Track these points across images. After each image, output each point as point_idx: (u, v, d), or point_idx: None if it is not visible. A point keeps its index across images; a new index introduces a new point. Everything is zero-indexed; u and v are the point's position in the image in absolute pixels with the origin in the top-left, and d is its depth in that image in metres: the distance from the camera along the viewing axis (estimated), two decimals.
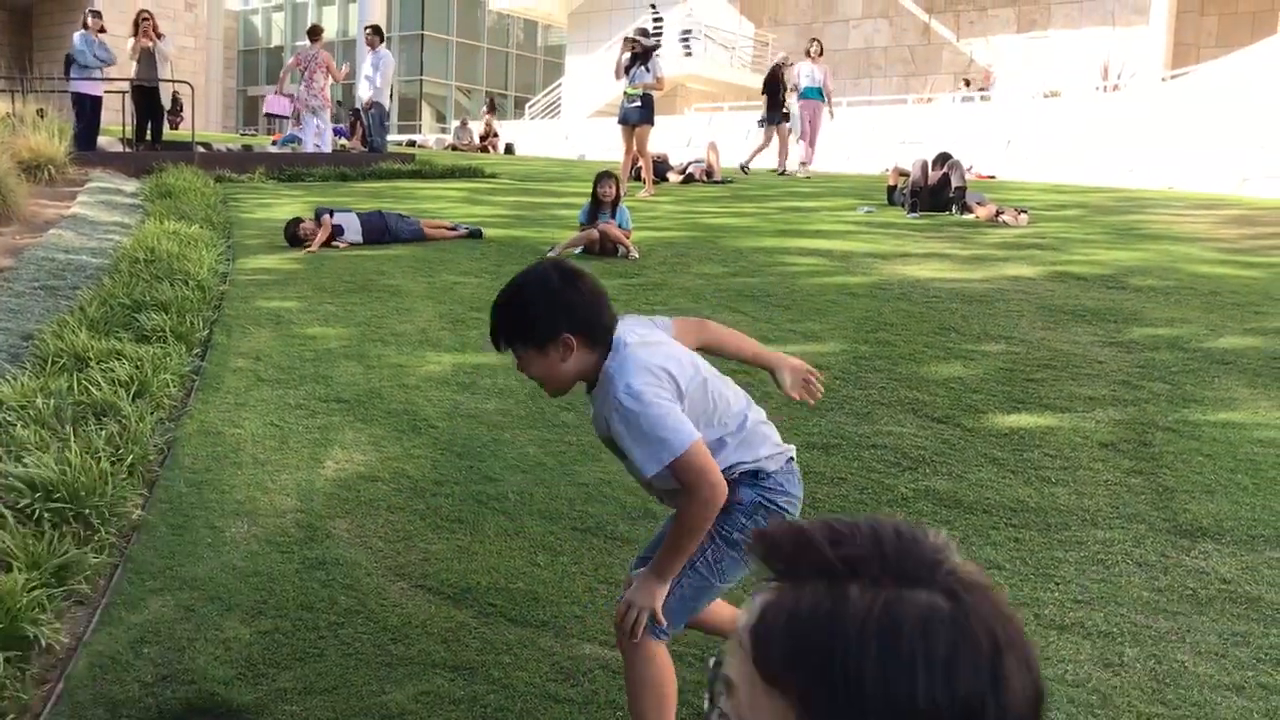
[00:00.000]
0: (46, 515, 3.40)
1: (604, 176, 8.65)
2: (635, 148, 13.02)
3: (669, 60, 18.41)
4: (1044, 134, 19.50)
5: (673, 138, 21.91)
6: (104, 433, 4.03)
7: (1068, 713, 2.74)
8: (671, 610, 2.40)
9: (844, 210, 11.44)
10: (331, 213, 8.77)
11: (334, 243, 8.58)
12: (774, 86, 16.62)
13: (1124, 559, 3.52)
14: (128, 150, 14.88)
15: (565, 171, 16.88)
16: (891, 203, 11.86)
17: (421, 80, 48.44)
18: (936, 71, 29.08)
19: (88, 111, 14.18)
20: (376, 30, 15.88)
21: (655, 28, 13.49)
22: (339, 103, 24.74)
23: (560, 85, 35.50)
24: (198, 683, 2.80)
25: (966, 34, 28.94)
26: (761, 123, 16.95)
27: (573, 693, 2.81)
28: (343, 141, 19.58)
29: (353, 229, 8.77)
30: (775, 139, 16.91)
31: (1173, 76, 21.37)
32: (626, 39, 13.19)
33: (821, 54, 16.89)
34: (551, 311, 2.36)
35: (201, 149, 15.61)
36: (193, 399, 4.86)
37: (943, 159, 11.39)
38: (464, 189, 13.35)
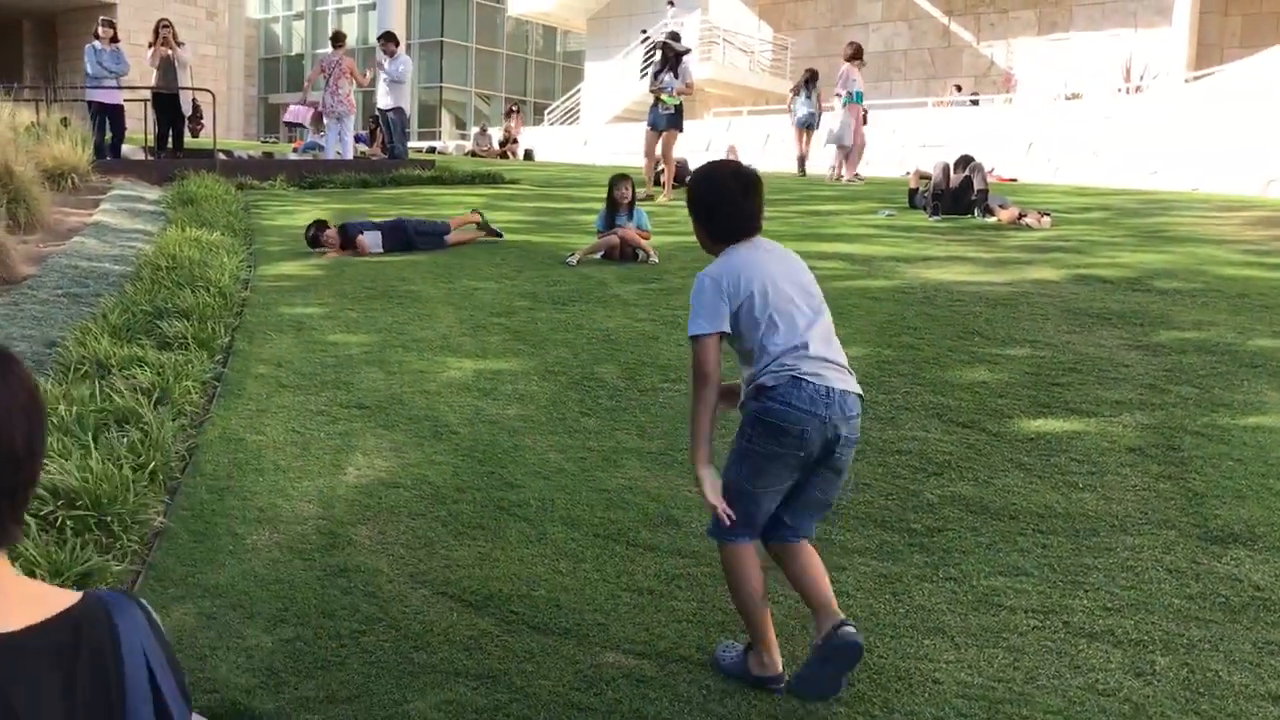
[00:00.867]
0: (69, 523, 3.40)
1: (619, 179, 8.64)
2: (661, 153, 13.03)
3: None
4: (1066, 136, 19.37)
5: (692, 142, 21.88)
6: (126, 440, 4.03)
7: None
8: (733, 507, 2.84)
9: (865, 214, 11.39)
10: (361, 230, 8.70)
11: (357, 251, 8.54)
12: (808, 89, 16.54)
13: (1154, 565, 3.47)
14: (149, 158, 14.95)
15: (585, 177, 16.87)
16: (913, 206, 11.80)
17: (441, 87, 48.60)
18: (957, 74, 28.96)
19: (103, 121, 14.26)
20: (390, 36, 15.93)
21: (672, 26, 13.43)
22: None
23: (579, 91, 35.53)
24: (220, 691, 2.79)
25: (987, 36, 28.82)
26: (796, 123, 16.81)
27: (595, 701, 2.78)
28: (363, 148, 19.63)
29: (375, 242, 8.69)
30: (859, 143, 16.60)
31: (1196, 78, 21.22)
32: (657, 44, 13.20)
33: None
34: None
35: (223, 156, 15.67)
36: (214, 406, 4.86)
37: (964, 162, 11.33)
38: (484, 194, 13.36)
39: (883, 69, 30.72)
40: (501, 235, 9.17)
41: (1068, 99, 23.16)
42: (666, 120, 12.84)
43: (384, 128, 16.67)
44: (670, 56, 12.87)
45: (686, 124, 14.42)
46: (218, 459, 4.28)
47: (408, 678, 2.87)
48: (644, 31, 30.53)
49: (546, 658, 2.97)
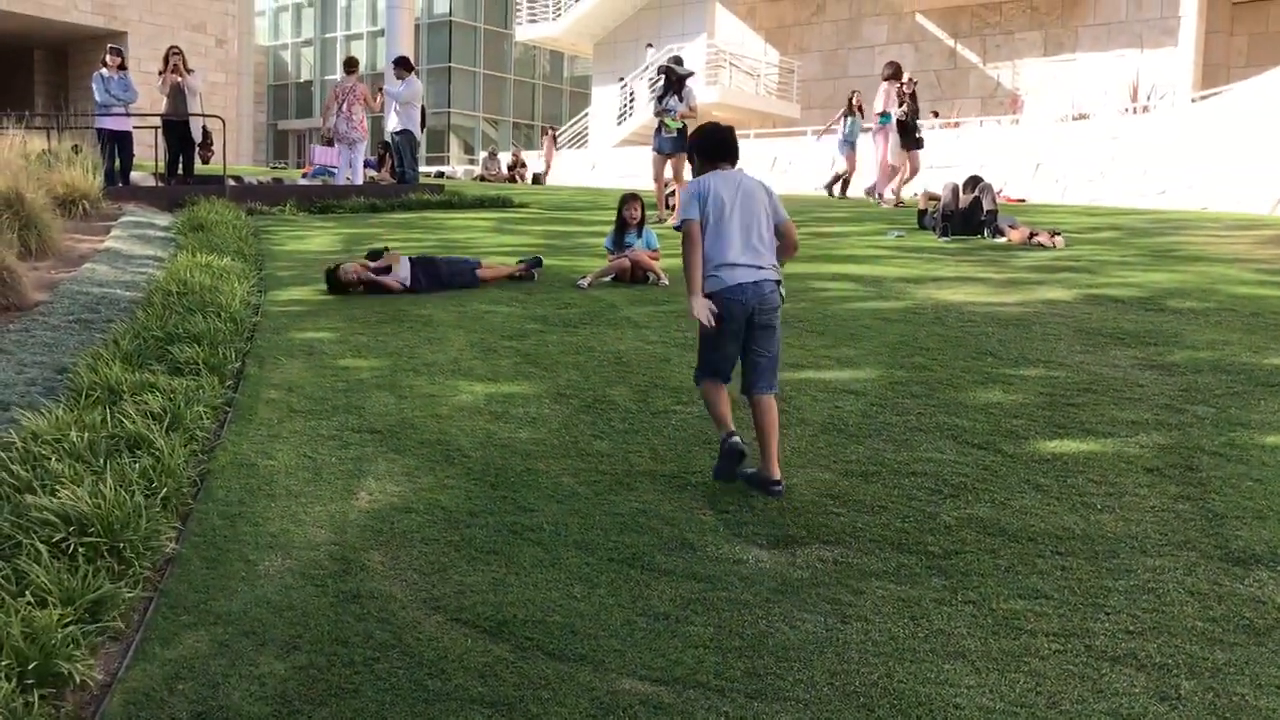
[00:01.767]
0: (80, 549, 3.37)
1: (629, 198, 8.64)
2: (671, 175, 13.06)
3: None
4: (1073, 156, 19.37)
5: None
6: (137, 466, 4.01)
7: None
8: (701, 362, 4.46)
9: (874, 235, 11.39)
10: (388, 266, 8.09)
11: (385, 284, 7.91)
12: (906, 112, 15.83)
13: (1175, 587, 3.43)
14: (160, 184, 15.02)
15: (593, 200, 16.90)
16: (922, 227, 11.79)
17: (449, 112, 48.83)
18: (963, 95, 29.03)
19: (112, 148, 14.34)
20: (401, 61, 16.03)
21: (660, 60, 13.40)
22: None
23: (587, 115, 35.68)
24: None
25: (993, 58, 28.89)
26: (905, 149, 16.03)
27: None
28: (372, 173, 19.71)
29: (404, 272, 8.02)
30: (908, 163, 16.09)
31: (1203, 97, 21.21)
32: (660, 68, 13.24)
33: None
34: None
35: (233, 182, 15.74)
36: (225, 431, 4.85)
37: (973, 182, 11.33)
38: (493, 218, 13.39)
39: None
40: (540, 263, 8.67)
41: (1075, 119, 23.18)
42: (671, 144, 12.88)
43: (393, 152, 16.72)
44: (674, 80, 12.92)
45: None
46: (229, 484, 4.26)
47: (422, 705, 2.84)
48: (621, 79, 30.69)
49: (562, 685, 2.94)
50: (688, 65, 13.53)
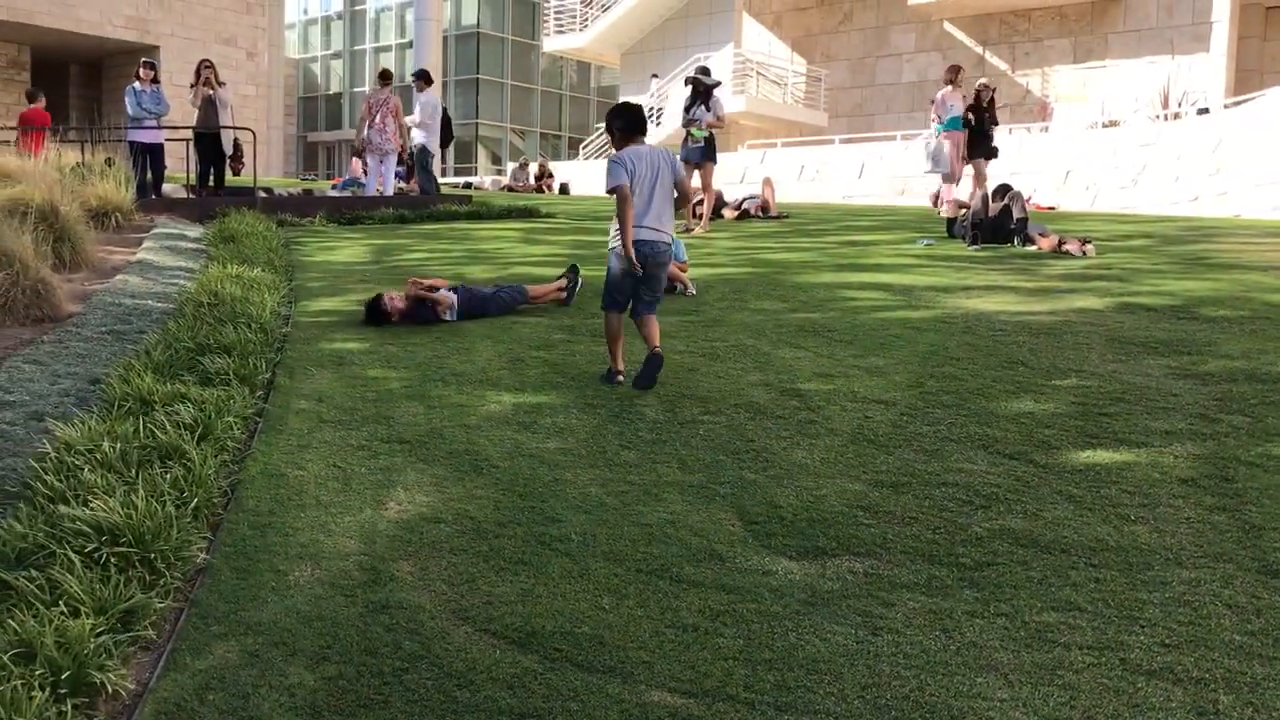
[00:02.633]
0: (113, 559, 3.40)
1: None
2: (701, 184, 13.06)
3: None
4: (1104, 164, 19.23)
5: (727, 174, 21.91)
6: (169, 476, 4.04)
7: None
8: (607, 295, 5.82)
9: (903, 243, 11.33)
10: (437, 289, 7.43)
11: (435, 303, 7.27)
12: (978, 115, 15.10)
13: (1212, 600, 3.38)
14: (191, 196, 15.16)
15: None
16: (951, 235, 11.73)
17: (477, 123, 49.06)
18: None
19: (144, 160, 14.49)
20: (420, 74, 16.15)
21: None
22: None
23: None
24: None
25: (1022, 65, 28.75)
26: (979, 157, 15.30)
27: None
28: (401, 185, 19.82)
29: (451, 302, 7.32)
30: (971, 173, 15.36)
31: (1235, 103, 21.01)
32: (687, 79, 13.24)
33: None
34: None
35: (263, 194, 15.85)
36: (256, 441, 4.87)
37: (1003, 190, 11.26)
38: (521, 229, 13.42)
39: (917, 99, 30.68)
40: (576, 272, 8.10)
41: (1105, 126, 23.03)
42: (699, 153, 12.88)
43: (417, 165, 16.84)
44: (701, 91, 12.92)
45: (721, 156, 14.41)
46: (260, 495, 4.28)
47: (451, 717, 2.84)
48: (655, 75, 30.75)
49: (591, 696, 2.93)
50: (715, 75, 13.53)
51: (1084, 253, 9.86)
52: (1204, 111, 21.37)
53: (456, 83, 48.86)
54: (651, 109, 30.15)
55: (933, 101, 15.18)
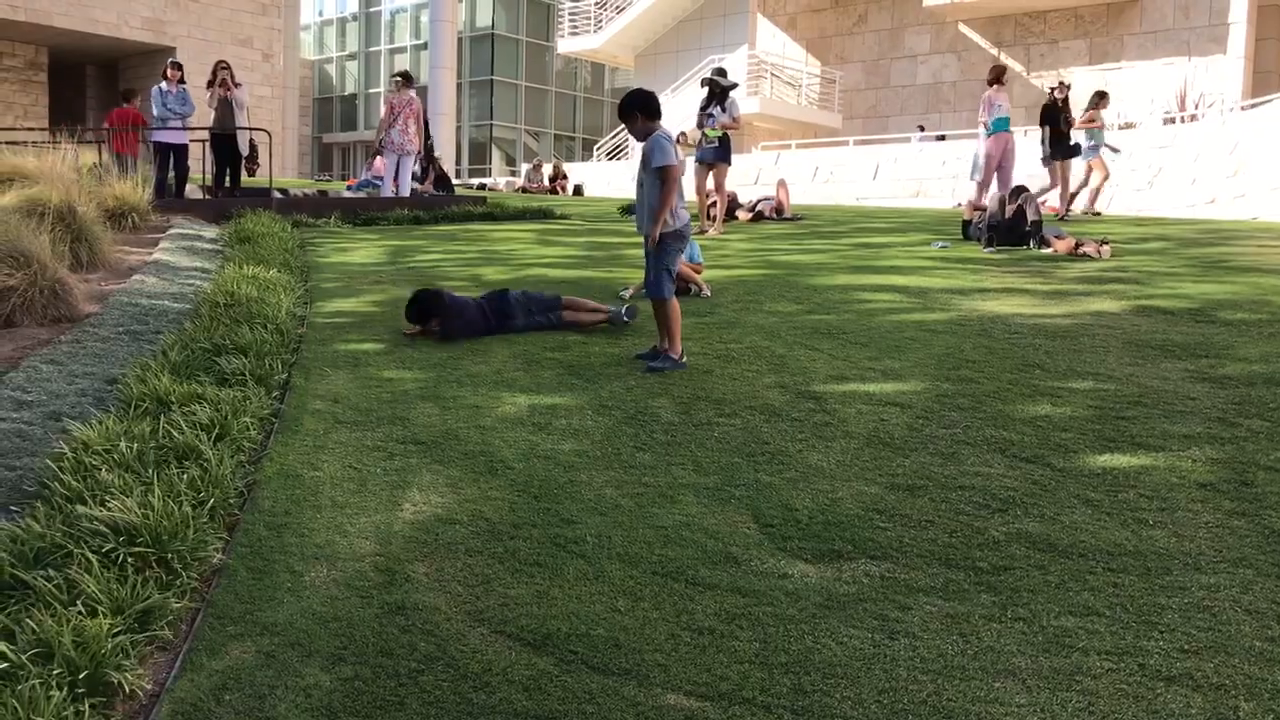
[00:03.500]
0: (129, 559, 3.41)
1: None
2: (714, 186, 13.05)
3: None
4: (1120, 166, 19.15)
5: (741, 175, 21.88)
6: (186, 476, 4.05)
7: None
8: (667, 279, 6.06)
9: (918, 245, 11.30)
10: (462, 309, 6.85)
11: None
12: (1053, 116, 14.72)
13: (1232, 606, 3.36)
14: (207, 197, 15.22)
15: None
16: (967, 237, 11.70)
17: (491, 125, 49.13)
18: None
19: (166, 160, 14.56)
20: (402, 75, 16.18)
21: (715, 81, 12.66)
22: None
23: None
24: None
25: (1037, 67, 28.66)
26: (1045, 160, 14.92)
27: None
28: (416, 185, 19.87)
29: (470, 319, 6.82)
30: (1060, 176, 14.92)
31: (1253, 105, 20.91)
32: (703, 80, 13.23)
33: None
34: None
35: (279, 194, 15.91)
36: (272, 442, 4.88)
37: (1017, 192, 11.22)
38: (535, 230, 13.44)
39: (932, 100, 30.63)
40: (628, 320, 7.03)
41: (1121, 128, 22.92)
42: (713, 154, 12.88)
43: (434, 165, 16.86)
44: (717, 92, 12.92)
45: (735, 158, 14.37)
46: (276, 495, 4.29)
47: (467, 719, 2.84)
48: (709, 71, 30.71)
49: (607, 699, 2.92)
50: (730, 77, 13.52)
51: (1101, 255, 9.82)
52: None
53: (471, 84, 48.93)
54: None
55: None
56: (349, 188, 21.26)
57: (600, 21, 34.68)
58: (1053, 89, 15.01)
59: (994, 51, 29.22)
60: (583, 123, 53.00)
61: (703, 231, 12.34)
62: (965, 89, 29.84)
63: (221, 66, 14.93)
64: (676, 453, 4.77)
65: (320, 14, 56.12)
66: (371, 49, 53.66)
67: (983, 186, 14.00)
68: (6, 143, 12.50)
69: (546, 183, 27.42)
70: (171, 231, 11.42)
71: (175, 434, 4.45)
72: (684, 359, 6.06)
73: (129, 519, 3.56)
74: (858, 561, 3.73)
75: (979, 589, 3.52)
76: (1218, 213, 16.35)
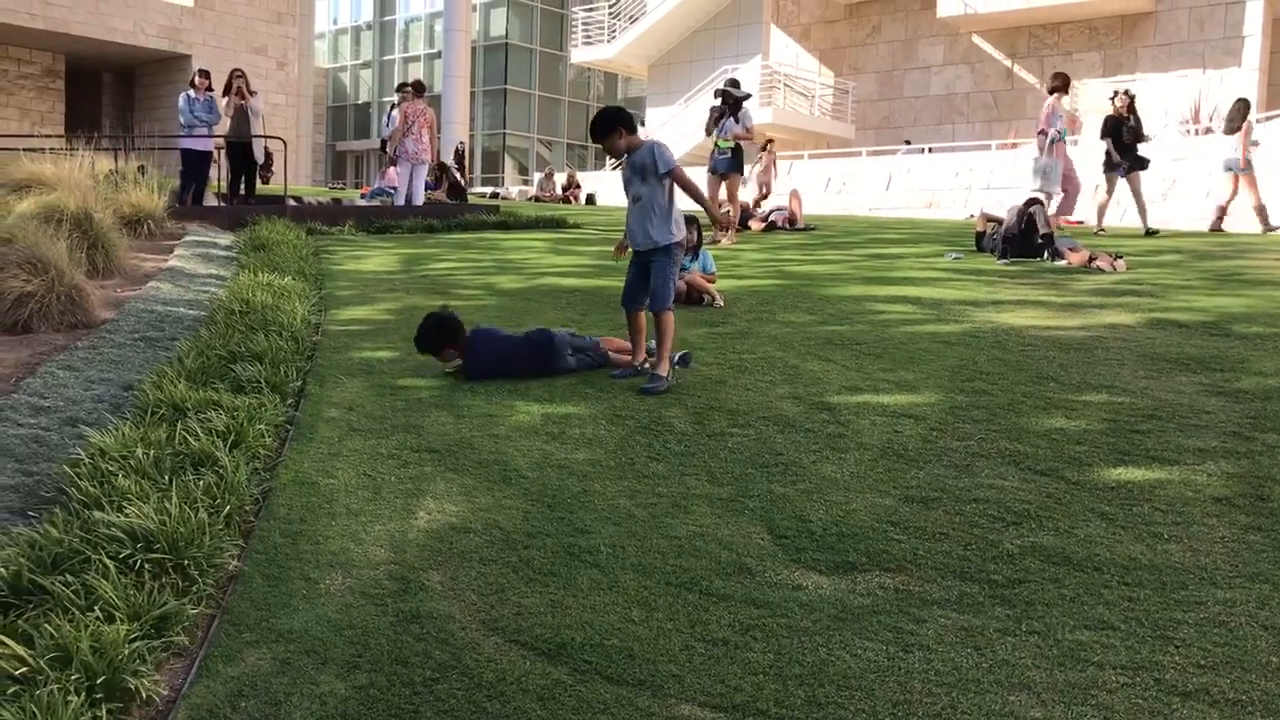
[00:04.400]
0: (147, 566, 3.42)
1: (687, 223, 8.63)
2: (725, 196, 13.08)
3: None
4: (1084, 176, 19.10)
5: (753, 186, 21.89)
6: (202, 483, 4.07)
7: None
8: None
9: (931, 257, 11.30)
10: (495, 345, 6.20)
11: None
12: (1116, 127, 14.27)
13: (1248, 621, 3.34)
14: (222, 204, 15.30)
15: None
16: (980, 249, 11.69)
17: (504, 133, 49.26)
18: (1020, 116, 28.77)
19: (191, 168, 14.66)
20: (401, 86, 16.29)
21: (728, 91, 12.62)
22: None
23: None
24: None
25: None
26: (1116, 170, 14.43)
27: None
28: (429, 193, 19.94)
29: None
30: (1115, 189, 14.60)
31: (1268, 118, 20.84)
32: (717, 91, 13.26)
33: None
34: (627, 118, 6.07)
35: (293, 202, 15.98)
36: (287, 449, 4.90)
37: (1028, 204, 11.21)
38: (549, 239, 13.47)
39: (945, 112, 30.61)
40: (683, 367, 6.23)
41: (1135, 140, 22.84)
42: (725, 164, 12.91)
43: (450, 174, 16.94)
44: (730, 102, 12.95)
45: (748, 168, 14.41)
46: (291, 502, 4.31)
47: None
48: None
49: (621, 709, 2.92)
50: (744, 87, 13.55)
51: (1115, 268, 9.80)
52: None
53: (484, 93, 49.07)
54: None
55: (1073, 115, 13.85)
56: (363, 196, 21.36)
57: (614, 31, 34.77)
58: (1112, 99, 14.42)
59: (1007, 64, 29.21)
60: None
61: (715, 241, 12.36)
62: (979, 100, 29.81)
63: (237, 75, 15.03)
64: (690, 463, 4.77)
65: (335, 22, 56.39)
66: (385, 57, 53.89)
67: (1070, 196, 13.63)
68: (24, 149, 12.58)
69: (559, 191, 27.48)
70: (187, 238, 11.48)
71: (191, 441, 4.47)
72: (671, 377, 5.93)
73: (146, 525, 3.58)
74: (872, 573, 3.73)
75: (993, 602, 3.51)
76: (1232, 226, 16.29)
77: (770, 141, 22.89)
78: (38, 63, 33.65)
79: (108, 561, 3.38)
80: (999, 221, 11.26)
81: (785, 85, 31.41)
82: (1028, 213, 10.92)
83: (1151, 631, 3.30)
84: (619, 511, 4.27)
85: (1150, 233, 14.34)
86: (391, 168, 17.97)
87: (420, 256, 11.29)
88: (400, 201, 16.11)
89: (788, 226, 15.34)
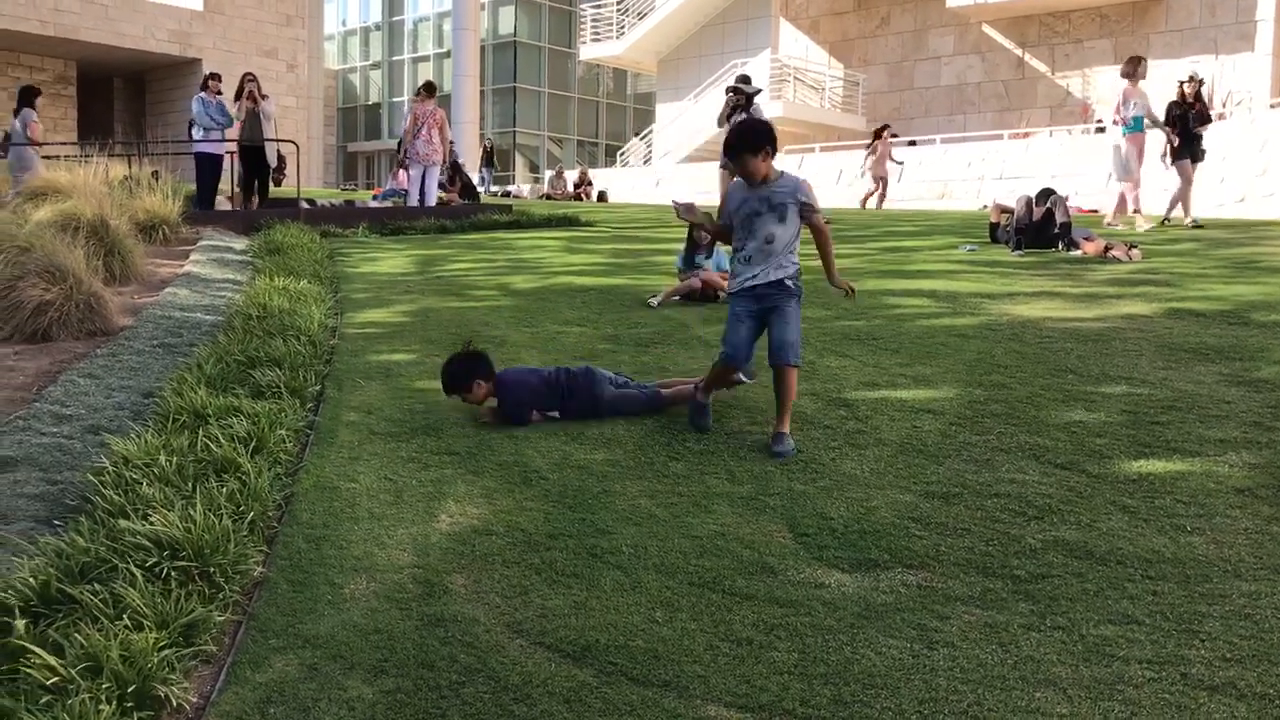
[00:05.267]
0: (173, 573, 3.44)
1: (694, 226, 8.63)
2: None
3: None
4: (1147, 165, 19.02)
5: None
6: (225, 489, 4.09)
7: None
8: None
9: (946, 249, 11.27)
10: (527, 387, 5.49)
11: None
12: (1181, 115, 13.86)
13: (1274, 614, 3.33)
14: (235, 208, 15.36)
15: (659, 218, 16.94)
16: (994, 240, 11.66)
17: (514, 131, 49.30)
18: (1032, 106, 28.67)
19: (206, 172, 14.73)
20: (425, 86, 16.30)
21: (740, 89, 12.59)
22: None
23: (651, 132, 35.80)
24: None
25: (1062, 67, 28.51)
26: (1182, 159, 14.06)
27: None
28: (441, 194, 19.98)
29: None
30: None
31: None
32: (728, 88, 13.25)
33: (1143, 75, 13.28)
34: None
35: (306, 205, 16.03)
36: (308, 454, 4.92)
37: (1045, 195, 11.17)
38: (562, 237, 13.48)
39: (956, 102, 30.51)
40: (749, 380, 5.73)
41: (1147, 128, 22.74)
42: None
43: (461, 175, 16.99)
44: (742, 98, 12.94)
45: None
46: (313, 507, 4.33)
47: None
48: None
49: (647, 710, 2.93)
50: (754, 82, 13.53)
51: (1130, 258, 9.76)
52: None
53: (494, 91, 49.11)
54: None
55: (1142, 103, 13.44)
56: (374, 197, 21.41)
57: (622, 28, 34.75)
58: (1182, 83, 13.93)
59: (1018, 52, 29.09)
60: (605, 129, 53.07)
61: None
62: (990, 90, 29.70)
63: (249, 79, 15.09)
64: (709, 462, 4.78)
65: (344, 24, 56.49)
66: (395, 58, 53.97)
67: (1136, 185, 13.27)
68: (41, 156, 12.65)
69: (571, 189, 27.50)
70: (201, 244, 11.53)
71: (213, 447, 4.49)
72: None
73: (171, 533, 3.60)
74: (894, 570, 3.73)
75: (1017, 597, 3.51)
76: (1247, 211, 16.22)
77: (884, 128, 22.06)
78: (49, 70, 33.80)
79: (135, 570, 3.40)
80: (1012, 212, 11.23)
81: (795, 78, 31.36)
82: (1047, 204, 10.88)
83: (1176, 625, 3.30)
84: (640, 511, 4.28)
85: (1196, 225, 13.92)
86: (402, 170, 18.01)
87: (434, 258, 11.31)
88: (414, 203, 16.14)
89: None
